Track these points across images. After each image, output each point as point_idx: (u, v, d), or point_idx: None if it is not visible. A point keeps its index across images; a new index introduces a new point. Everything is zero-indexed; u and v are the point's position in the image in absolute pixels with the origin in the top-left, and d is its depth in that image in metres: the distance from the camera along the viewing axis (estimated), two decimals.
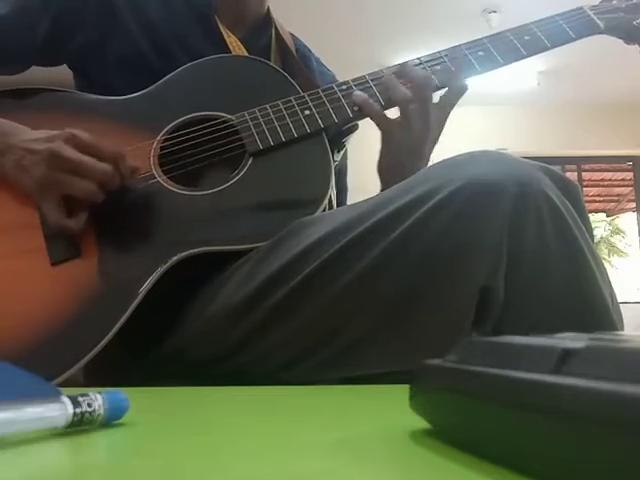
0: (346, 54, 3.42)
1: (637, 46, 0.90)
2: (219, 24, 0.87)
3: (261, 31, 0.92)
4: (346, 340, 0.58)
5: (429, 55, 0.82)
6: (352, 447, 0.27)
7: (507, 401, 0.20)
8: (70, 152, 0.68)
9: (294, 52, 0.93)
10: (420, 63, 0.81)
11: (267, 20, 0.93)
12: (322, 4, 3.80)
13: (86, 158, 0.68)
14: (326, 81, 0.97)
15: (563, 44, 0.86)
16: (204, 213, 0.71)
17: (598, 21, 0.86)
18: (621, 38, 0.90)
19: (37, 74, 0.87)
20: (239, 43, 0.87)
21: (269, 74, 0.84)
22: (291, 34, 0.97)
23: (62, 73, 0.88)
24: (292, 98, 0.78)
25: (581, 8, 0.88)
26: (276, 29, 0.93)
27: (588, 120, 5.22)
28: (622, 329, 0.57)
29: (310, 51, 1.01)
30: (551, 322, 0.54)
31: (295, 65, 0.91)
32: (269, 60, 0.89)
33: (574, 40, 0.86)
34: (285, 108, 0.77)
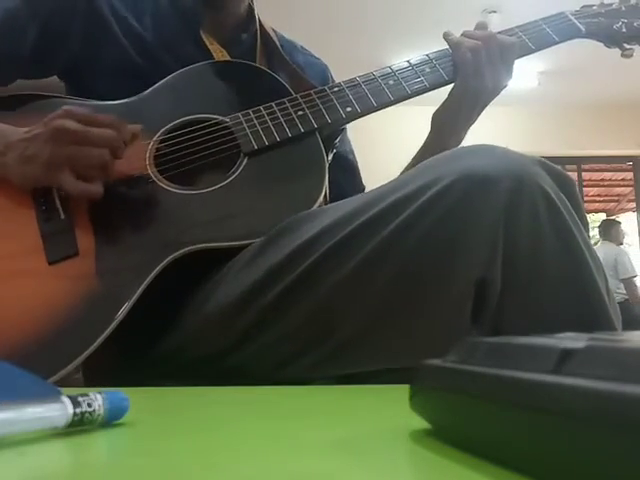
0: (347, 55, 3.43)
1: (618, 49, 0.92)
2: (202, 32, 0.87)
3: (243, 31, 0.92)
4: (344, 336, 0.58)
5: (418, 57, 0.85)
6: (352, 447, 0.27)
7: (507, 401, 0.20)
8: (73, 124, 0.68)
9: (279, 47, 0.93)
10: (409, 66, 0.84)
11: (249, 18, 0.93)
12: (324, 5, 3.80)
13: (90, 128, 0.69)
14: (316, 71, 0.98)
15: (548, 47, 0.89)
16: (200, 212, 0.71)
17: (579, 25, 0.90)
18: (601, 42, 0.94)
19: (27, 81, 0.86)
20: (222, 50, 0.87)
21: (260, 77, 0.85)
22: (273, 29, 0.97)
23: (51, 80, 0.88)
24: (285, 100, 0.79)
25: (563, 13, 0.91)
26: (260, 26, 0.93)
27: (588, 120, 5.23)
28: (619, 324, 0.57)
29: (294, 44, 1.01)
30: (548, 315, 0.55)
31: (281, 61, 0.92)
32: (254, 60, 0.90)
33: (557, 43, 0.89)
34: (279, 110, 0.78)
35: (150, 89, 0.81)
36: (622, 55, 0.94)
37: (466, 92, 0.84)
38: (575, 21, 0.90)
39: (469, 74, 0.83)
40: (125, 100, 0.80)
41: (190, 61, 0.83)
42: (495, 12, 3.89)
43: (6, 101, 0.80)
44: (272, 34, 0.95)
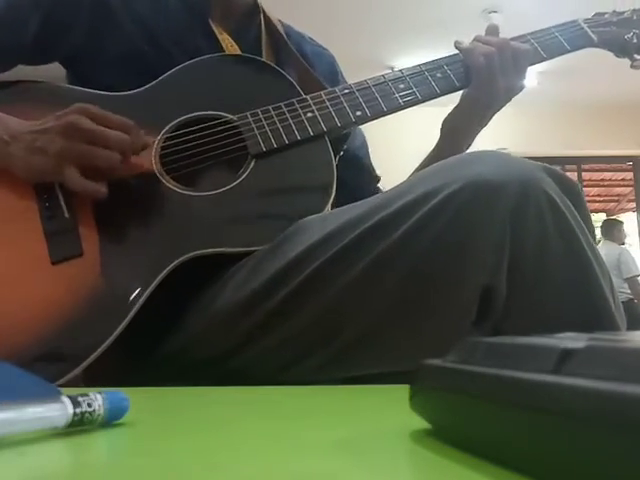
0: (348, 52, 3.42)
1: (627, 59, 0.92)
2: (211, 22, 0.87)
3: (250, 21, 0.91)
4: (349, 338, 0.58)
5: (428, 63, 0.85)
6: (352, 447, 0.27)
7: (507, 401, 0.20)
8: (88, 123, 0.68)
9: (286, 39, 0.93)
10: (421, 70, 0.83)
11: (254, 8, 0.92)
12: (327, 5, 3.80)
13: (104, 128, 0.68)
14: (324, 62, 0.98)
15: (559, 55, 0.89)
16: (208, 214, 0.71)
17: (592, 34, 0.89)
18: (612, 51, 0.93)
19: (27, 68, 0.85)
20: (231, 40, 0.87)
21: (269, 74, 0.84)
22: (280, 20, 0.96)
23: (53, 69, 0.87)
24: (294, 100, 0.78)
25: (575, 21, 0.90)
26: (265, 16, 0.93)
27: (588, 120, 5.22)
28: (624, 325, 0.57)
29: (302, 35, 1.00)
30: (553, 319, 0.55)
31: (289, 54, 0.91)
32: (260, 51, 0.89)
33: (569, 52, 0.89)
34: (288, 110, 0.77)
35: (156, 81, 0.80)
36: (632, 66, 0.93)
37: (479, 98, 0.84)
38: (587, 30, 0.89)
39: (482, 80, 0.82)
40: (130, 92, 0.79)
41: (199, 52, 0.82)
42: (496, 12, 3.89)
43: (7, 88, 0.79)
44: (279, 26, 0.94)
